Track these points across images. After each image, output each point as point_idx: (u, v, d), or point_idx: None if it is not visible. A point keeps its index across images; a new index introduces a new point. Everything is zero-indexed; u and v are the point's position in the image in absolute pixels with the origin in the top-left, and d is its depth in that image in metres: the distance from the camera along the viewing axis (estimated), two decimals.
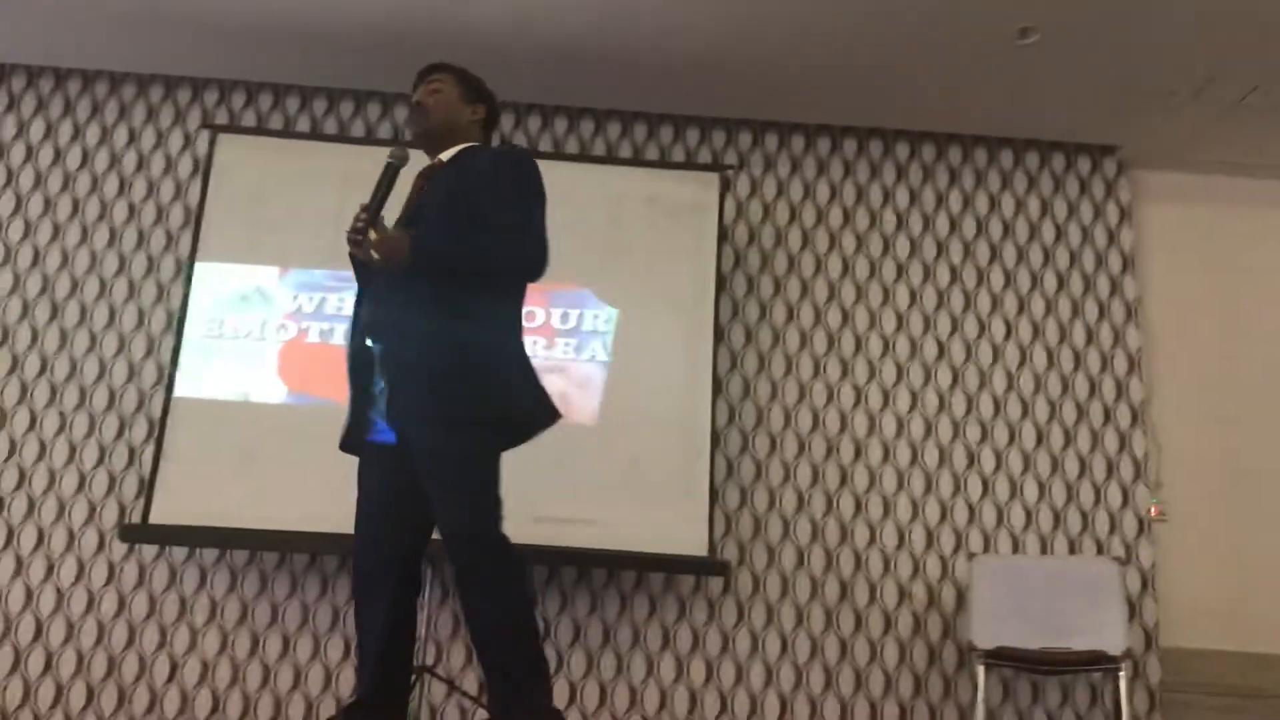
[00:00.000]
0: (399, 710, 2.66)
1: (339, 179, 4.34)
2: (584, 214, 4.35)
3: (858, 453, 4.45)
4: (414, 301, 2.60)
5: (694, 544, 4.05)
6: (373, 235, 2.58)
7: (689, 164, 4.65)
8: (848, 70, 4.31)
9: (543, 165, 4.25)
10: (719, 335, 4.33)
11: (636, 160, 4.64)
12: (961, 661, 4.25)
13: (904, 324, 4.60)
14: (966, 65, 4.21)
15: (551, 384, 4.25)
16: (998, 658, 3.91)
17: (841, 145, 4.79)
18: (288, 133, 4.58)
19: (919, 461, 4.45)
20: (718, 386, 4.30)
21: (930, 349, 4.57)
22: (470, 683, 4.10)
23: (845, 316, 4.60)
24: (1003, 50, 4.08)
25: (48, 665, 4.06)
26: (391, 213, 2.73)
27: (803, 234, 4.69)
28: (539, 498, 4.06)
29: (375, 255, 2.57)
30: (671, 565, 4.12)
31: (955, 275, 4.66)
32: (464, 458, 2.58)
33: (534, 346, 4.22)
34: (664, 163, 4.65)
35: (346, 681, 4.09)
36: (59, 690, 4.04)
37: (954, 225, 4.72)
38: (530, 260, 2.73)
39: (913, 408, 4.51)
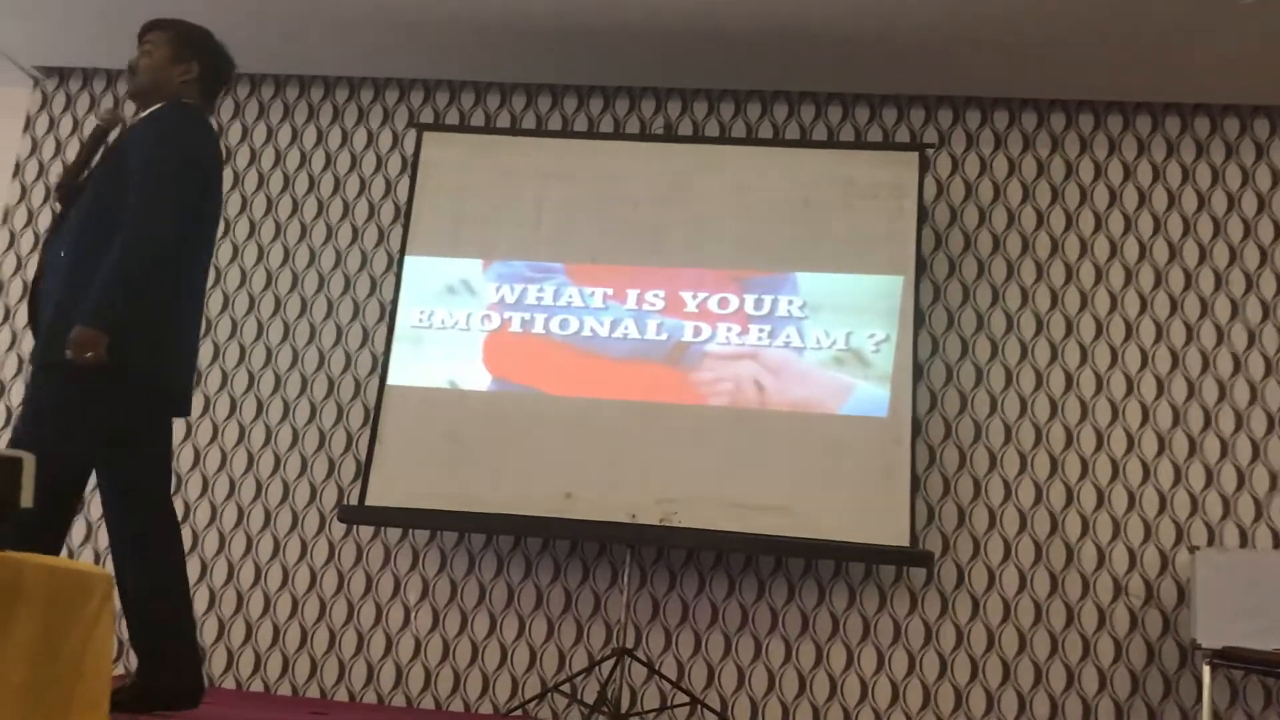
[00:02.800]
0: None
1: (538, 172, 4.46)
2: (778, 199, 4.32)
3: (1069, 440, 4.26)
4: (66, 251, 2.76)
5: (895, 534, 3.96)
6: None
7: (886, 144, 4.55)
8: (1054, 42, 4.12)
9: (738, 151, 4.27)
10: (919, 320, 4.22)
11: (832, 142, 4.57)
12: (1183, 660, 4.02)
13: (1118, 305, 4.37)
14: (1182, 29, 3.96)
15: (745, 370, 4.34)
16: (1225, 658, 3.68)
17: (1048, 119, 4.58)
18: (489, 129, 4.72)
19: (1135, 450, 4.23)
20: (919, 372, 4.19)
21: (1148, 331, 4.33)
22: (670, 666, 4.14)
23: (1055, 298, 4.41)
24: (1222, 10, 3.81)
25: (275, 638, 4.33)
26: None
27: (1008, 213, 4.52)
28: (735, 484, 4.07)
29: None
30: (872, 555, 4.05)
31: (1174, 253, 4.40)
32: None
33: (728, 333, 4.22)
34: (860, 143, 4.57)
35: (551, 660, 4.19)
36: (285, 663, 4.30)
37: (1172, 200, 4.45)
38: (148, 234, 2.70)
39: (1128, 393, 4.28)
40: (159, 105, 2.96)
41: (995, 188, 4.54)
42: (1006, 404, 4.32)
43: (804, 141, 4.58)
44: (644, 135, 4.65)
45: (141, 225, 2.70)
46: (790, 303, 4.23)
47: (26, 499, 1.45)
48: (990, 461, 4.27)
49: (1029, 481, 4.24)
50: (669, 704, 4.10)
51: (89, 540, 4.49)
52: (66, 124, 4.99)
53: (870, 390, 4.12)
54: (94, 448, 2.75)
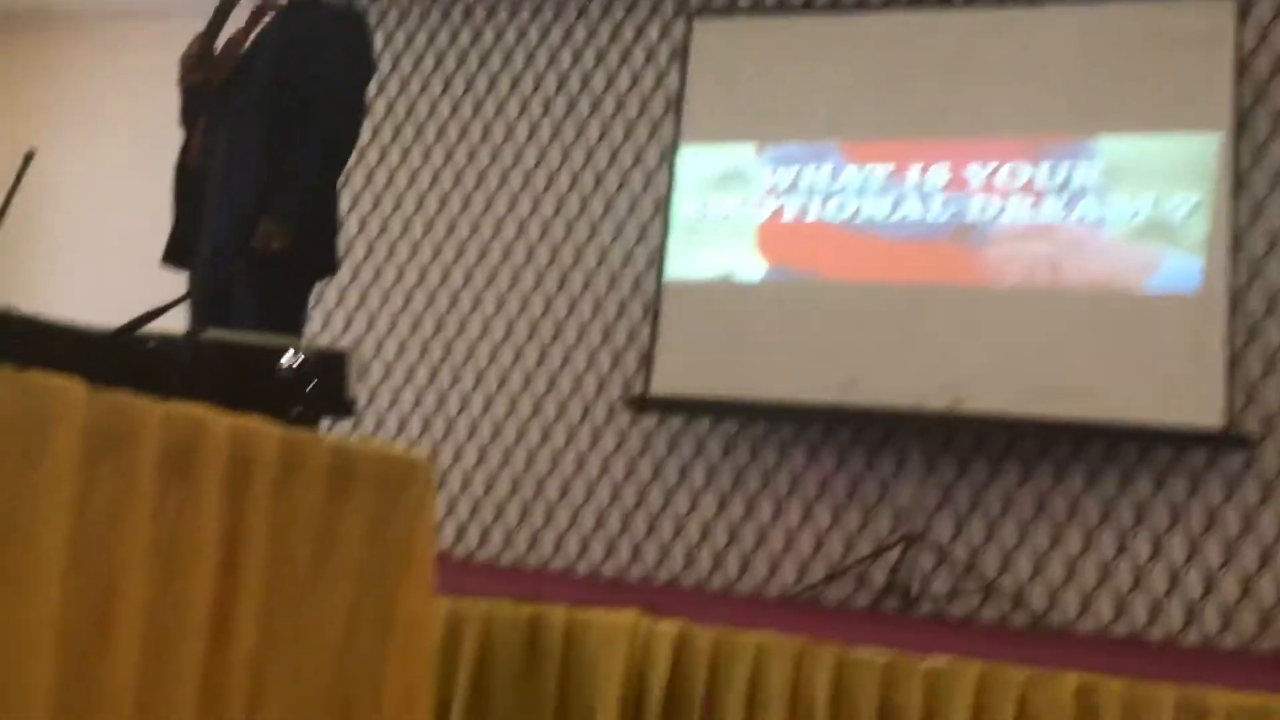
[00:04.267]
0: None
1: (811, 50, 4.32)
2: (1073, 58, 4.00)
3: None
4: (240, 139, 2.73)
5: (1207, 416, 3.68)
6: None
7: None
8: None
9: (1028, 11, 3.95)
10: (1238, 183, 3.83)
11: None
12: None
13: None
14: None
15: (1038, 247, 4.09)
16: None
17: None
18: (760, 9, 4.60)
19: None
20: (1237, 243, 3.82)
21: None
22: (960, 553, 4.06)
23: None
24: None
25: (571, 522, 4.55)
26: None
27: None
28: (1027, 368, 3.88)
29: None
30: (1184, 440, 3.78)
31: None
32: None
33: (1019, 208, 3.99)
34: None
35: (835, 546, 4.20)
36: (583, 544, 4.52)
37: None
38: (347, 134, 2.88)
39: None
40: None
41: None
42: None
43: None
44: (922, 2, 4.39)
45: (343, 137, 2.87)
46: (1089, 170, 3.93)
47: (353, 390, 1.56)
48: None
49: None
50: (959, 591, 4.03)
51: (425, 432, 4.85)
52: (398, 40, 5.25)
53: (1179, 262, 3.80)
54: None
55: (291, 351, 1.54)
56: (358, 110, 2.97)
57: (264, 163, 2.74)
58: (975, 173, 4.05)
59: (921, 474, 4.12)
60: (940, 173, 4.09)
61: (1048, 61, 4.04)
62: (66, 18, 5.80)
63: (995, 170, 4.03)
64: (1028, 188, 3.98)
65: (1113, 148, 3.91)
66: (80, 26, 5.80)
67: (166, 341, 1.42)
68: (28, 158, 1.57)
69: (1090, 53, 3.98)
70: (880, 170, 4.16)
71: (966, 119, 4.10)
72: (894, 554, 3.99)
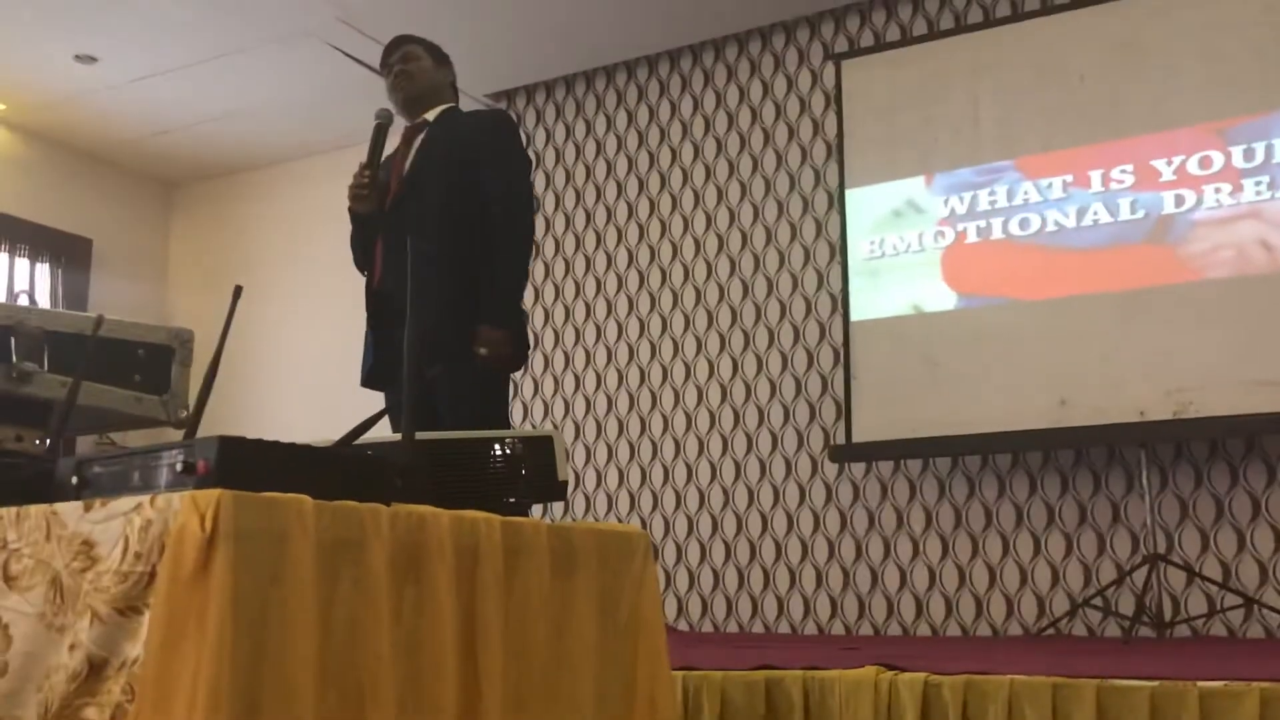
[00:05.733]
0: None
1: (967, 71, 4.23)
2: (1255, 28, 3.78)
3: None
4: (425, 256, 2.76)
5: None
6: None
7: None
8: None
9: None
10: None
11: None
12: None
13: None
14: None
15: (1245, 232, 3.83)
16: None
17: None
18: (906, 40, 4.53)
19: None
20: None
21: None
22: (1212, 568, 3.78)
23: None
24: None
25: (791, 582, 4.47)
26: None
27: None
28: (1256, 361, 3.62)
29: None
30: None
31: None
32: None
33: (1217, 195, 3.76)
34: None
35: (1075, 575, 3.98)
36: (806, 605, 4.43)
37: None
38: (529, 229, 2.95)
39: None
40: (446, 107, 3.04)
41: None
42: None
43: None
44: (1076, 2, 4.23)
45: (525, 235, 2.93)
46: None
47: (563, 471, 1.58)
48: None
49: None
50: (1220, 608, 3.74)
51: (633, 508, 4.89)
52: (538, 138, 5.45)
53: None
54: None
55: (500, 442, 1.57)
56: (531, 204, 3.05)
57: (452, 273, 2.81)
58: (1163, 166, 3.85)
59: (1156, 489, 3.87)
60: (1124, 174, 3.90)
61: (1225, 36, 3.82)
62: (252, 167, 6.24)
63: (1184, 161, 3.82)
64: (1224, 173, 3.76)
65: None
66: (265, 170, 6.23)
67: (383, 448, 1.46)
68: (237, 293, 1.66)
69: (1272, 18, 3.75)
70: (1059, 181, 4.01)
71: (1143, 113, 3.90)
72: (1140, 577, 3.75)
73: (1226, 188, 3.76)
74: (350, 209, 2.96)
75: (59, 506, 1.24)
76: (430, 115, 3.03)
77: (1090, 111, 3.99)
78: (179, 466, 1.19)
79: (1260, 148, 3.72)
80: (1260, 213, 3.71)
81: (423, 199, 2.89)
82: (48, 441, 1.68)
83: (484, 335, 2.77)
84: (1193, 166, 3.81)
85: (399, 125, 2.98)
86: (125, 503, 1.17)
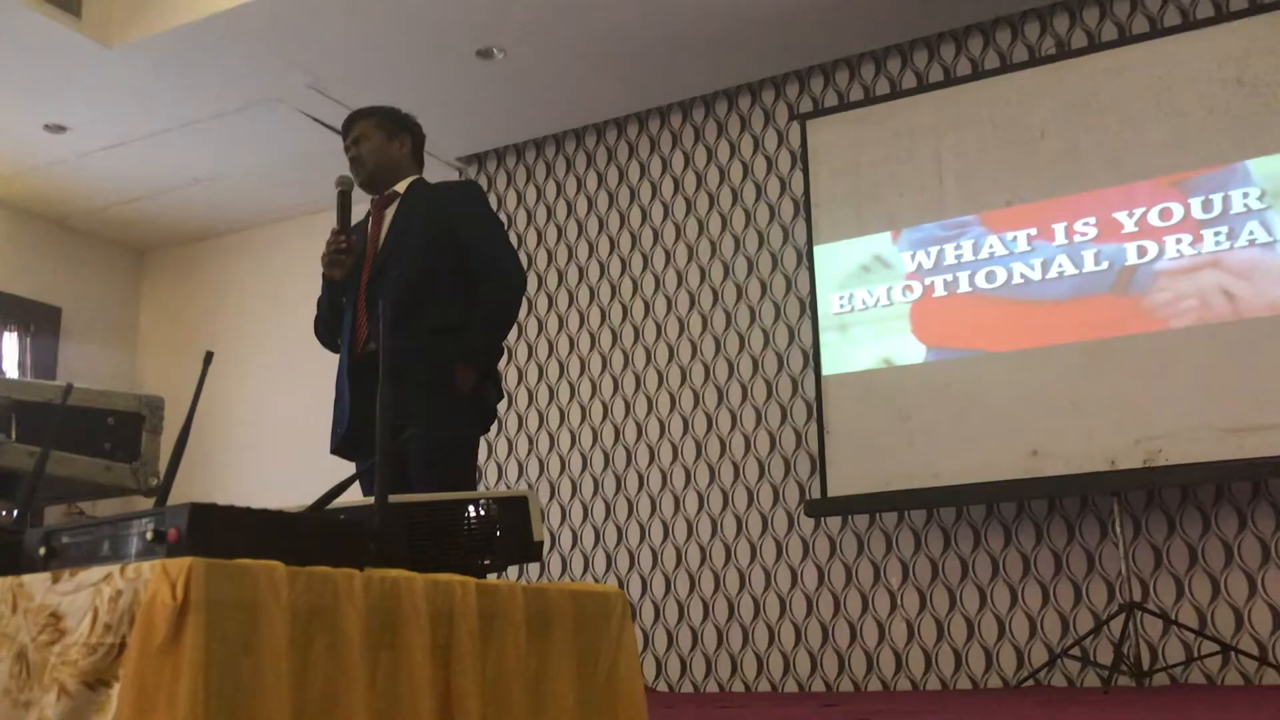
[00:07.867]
0: None
1: (929, 129, 4.30)
2: (1206, 84, 3.87)
3: None
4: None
5: None
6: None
7: None
8: None
9: (1145, 47, 3.89)
10: None
11: (1266, 4, 3.98)
12: None
13: None
14: None
15: (1207, 281, 3.89)
16: None
17: None
18: (869, 100, 4.61)
19: None
20: None
21: None
22: (1188, 615, 3.79)
23: None
24: None
25: (770, 639, 4.44)
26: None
27: None
28: (1222, 408, 3.67)
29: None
30: None
31: None
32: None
33: (1178, 245, 3.83)
34: None
35: (1053, 625, 3.98)
36: (785, 662, 4.40)
37: None
38: (522, 282, 2.94)
39: None
40: (413, 179, 3.03)
41: None
42: None
43: (1225, 15, 4.05)
44: (1034, 60, 4.33)
45: (513, 283, 2.92)
46: (1245, 195, 3.76)
47: (538, 532, 1.57)
48: None
49: None
50: (1196, 655, 3.75)
51: (609, 568, 4.86)
52: (509, 200, 5.49)
53: None
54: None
55: (475, 504, 1.56)
56: (515, 256, 3.02)
57: (434, 333, 2.81)
58: (1124, 218, 3.92)
59: (1130, 538, 3.89)
60: (1087, 226, 3.97)
61: (1178, 92, 3.92)
62: (222, 233, 6.25)
63: (1145, 213, 3.89)
64: (1184, 224, 3.83)
65: (1266, 168, 3.73)
66: (235, 235, 6.23)
67: (356, 512, 1.45)
68: (207, 359, 1.66)
69: (1222, 75, 3.84)
70: (1024, 234, 4.07)
71: (1103, 167, 3.99)
72: (1117, 626, 3.76)
73: (1187, 238, 3.83)
74: (325, 275, 2.95)
75: (26, 578, 1.23)
76: (400, 187, 3.04)
77: (1052, 166, 4.07)
78: (149, 535, 1.18)
79: (1218, 199, 3.80)
80: (1220, 262, 3.78)
81: (400, 267, 2.89)
82: (15, 512, 1.66)
83: (462, 373, 2.78)
84: (1153, 218, 3.88)
85: (363, 194, 2.99)
86: (94, 573, 1.15)
